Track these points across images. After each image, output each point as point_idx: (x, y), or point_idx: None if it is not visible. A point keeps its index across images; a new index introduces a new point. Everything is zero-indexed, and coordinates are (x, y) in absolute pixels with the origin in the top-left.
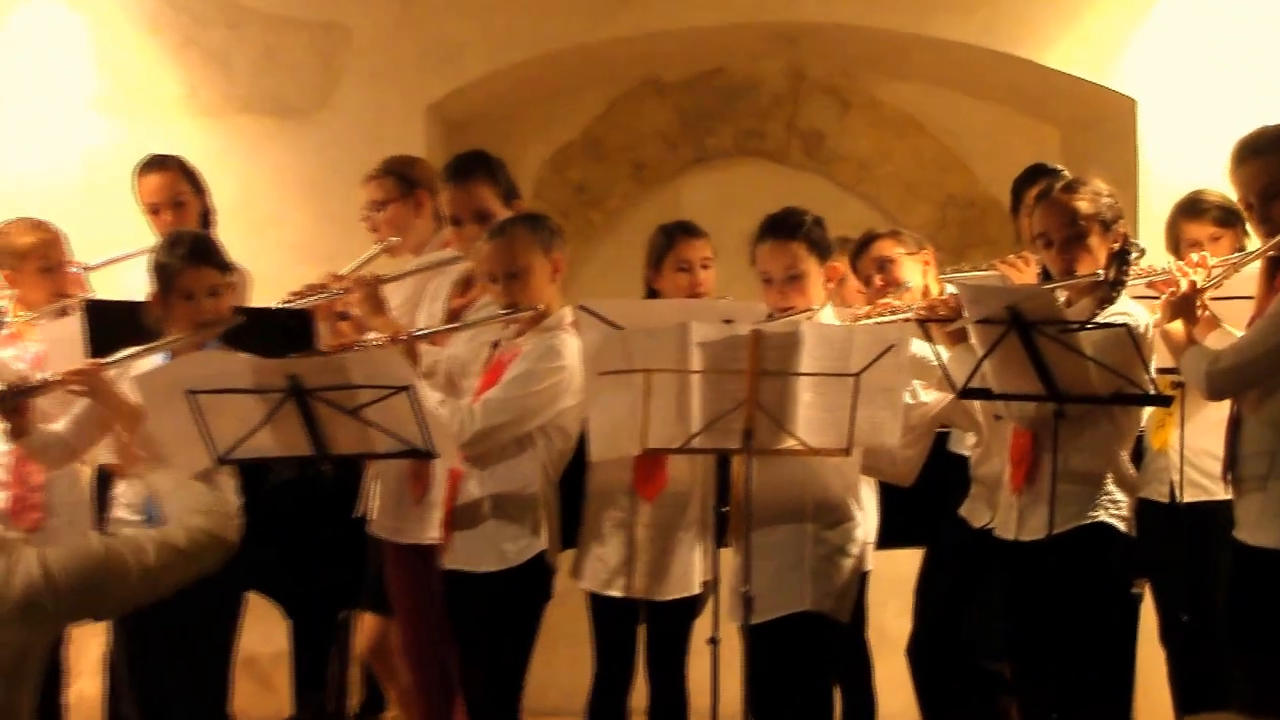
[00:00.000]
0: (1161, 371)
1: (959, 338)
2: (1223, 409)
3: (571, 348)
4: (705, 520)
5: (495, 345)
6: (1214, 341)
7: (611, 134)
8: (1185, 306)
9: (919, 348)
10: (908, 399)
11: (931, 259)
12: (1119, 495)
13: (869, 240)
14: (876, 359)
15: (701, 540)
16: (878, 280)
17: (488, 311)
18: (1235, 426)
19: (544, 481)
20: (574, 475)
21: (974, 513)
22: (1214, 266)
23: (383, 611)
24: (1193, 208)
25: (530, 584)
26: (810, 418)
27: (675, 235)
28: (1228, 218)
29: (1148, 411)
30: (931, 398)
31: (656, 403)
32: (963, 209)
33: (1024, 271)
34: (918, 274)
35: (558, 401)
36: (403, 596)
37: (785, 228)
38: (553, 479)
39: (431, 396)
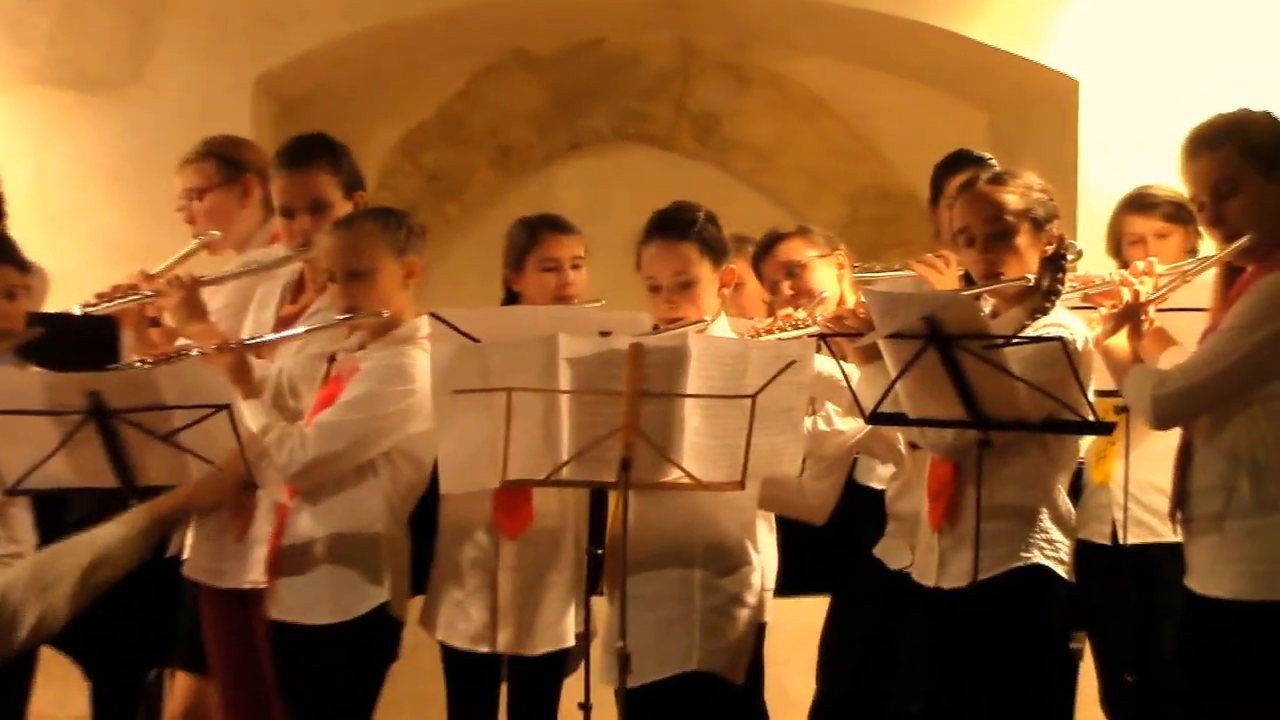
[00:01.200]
0: (1102, 394)
1: (870, 354)
2: (1171, 438)
3: (423, 364)
4: (577, 563)
5: (332, 359)
6: (1164, 361)
7: (472, 114)
8: (1129, 319)
9: (827, 365)
10: (822, 426)
11: (846, 261)
12: (1055, 535)
13: (775, 240)
14: (775, 377)
15: (574, 586)
16: (786, 288)
17: (322, 318)
18: (1185, 458)
19: (389, 519)
20: (427, 511)
21: (891, 553)
22: (1162, 275)
23: (198, 669)
24: (1140, 201)
25: (371, 640)
26: (699, 446)
27: (540, 230)
28: (1178, 214)
29: (1086, 441)
30: (849, 425)
31: (519, 427)
32: (876, 203)
33: (943, 274)
34: (832, 279)
35: (406, 425)
36: (221, 651)
37: (674, 226)
38: (400, 516)
39: (255, 417)
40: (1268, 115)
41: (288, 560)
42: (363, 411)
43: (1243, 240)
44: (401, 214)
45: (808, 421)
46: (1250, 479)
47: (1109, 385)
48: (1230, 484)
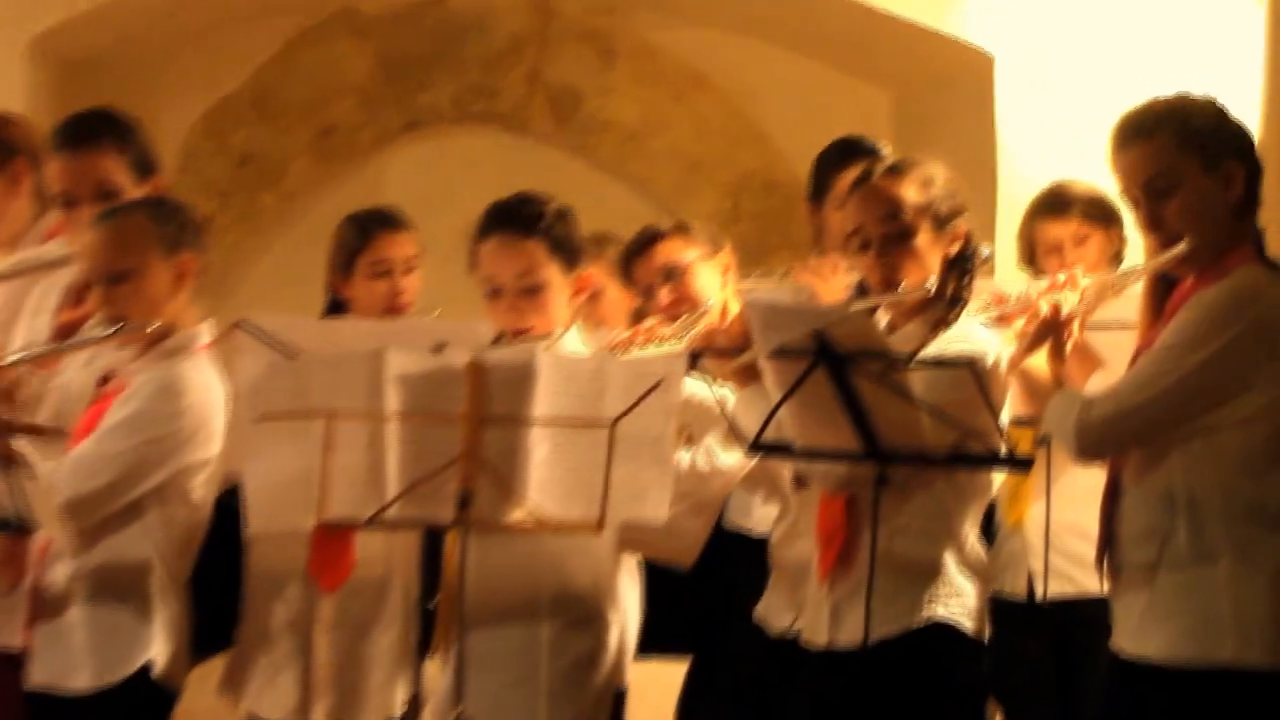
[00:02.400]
0: (1018, 423)
1: (748, 376)
2: (1099, 475)
3: (200, 380)
4: (406, 619)
5: (105, 379)
6: (1090, 384)
7: (289, 86)
8: (1050, 336)
9: (698, 389)
10: (703, 464)
11: (732, 263)
12: (962, 587)
13: (651, 239)
14: (639, 401)
15: (402, 647)
16: (664, 295)
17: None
18: (1113, 499)
19: (160, 567)
20: (232, 557)
21: (772, 614)
22: (1087, 286)
23: None
24: (1051, 202)
25: (138, 709)
26: (549, 479)
27: (371, 228)
28: (1097, 212)
29: (1000, 477)
30: (734, 461)
31: (340, 458)
32: (762, 196)
33: (829, 281)
34: (715, 284)
35: (181, 454)
36: None
37: (519, 220)
38: (174, 564)
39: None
40: (1210, 102)
41: (45, 617)
42: (126, 440)
43: (1180, 246)
44: (171, 202)
45: (684, 457)
46: (1187, 524)
47: (1028, 412)
48: (1164, 529)
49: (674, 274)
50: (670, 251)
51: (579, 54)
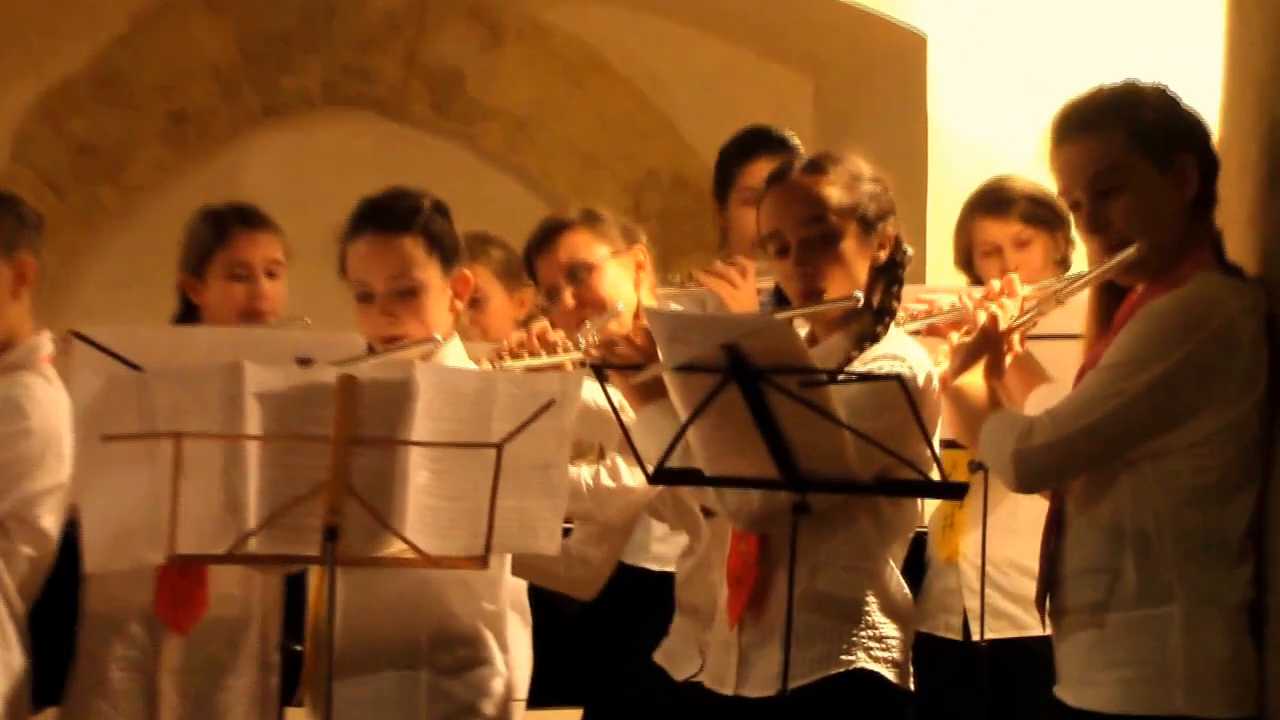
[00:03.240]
0: (950, 446)
1: (650, 392)
2: (1040, 504)
3: (45, 396)
4: (267, 663)
5: None
6: (1031, 404)
7: (136, 67)
8: (987, 350)
9: (599, 396)
10: (607, 480)
11: (647, 261)
12: (886, 630)
13: (554, 231)
14: (528, 422)
15: (260, 695)
16: (568, 296)
17: None
18: (1056, 532)
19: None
20: (67, 595)
21: (675, 659)
22: (1029, 296)
23: None
24: (992, 199)
25: None
26: (428, 509)
27: (228, 225)
28: (1041, 214)
29: (930, 506)
30: (640, 480)
31: (192, 485)
32: (667, 193)
33: (739, 288)
34: (627, 285)
35: (22, 483)
36: None
37: (391, 217)
38: (15, 601)
39: None
40: (1160, 90)
41: None
42: None
43: (1129, 251)
44: (9, 197)
45: (586, 473)
46: (1137, 560)
47: (961, 434)
48: (1112, 566)
49: (579, 272)
50: (575, 247)
51: (462, 32)
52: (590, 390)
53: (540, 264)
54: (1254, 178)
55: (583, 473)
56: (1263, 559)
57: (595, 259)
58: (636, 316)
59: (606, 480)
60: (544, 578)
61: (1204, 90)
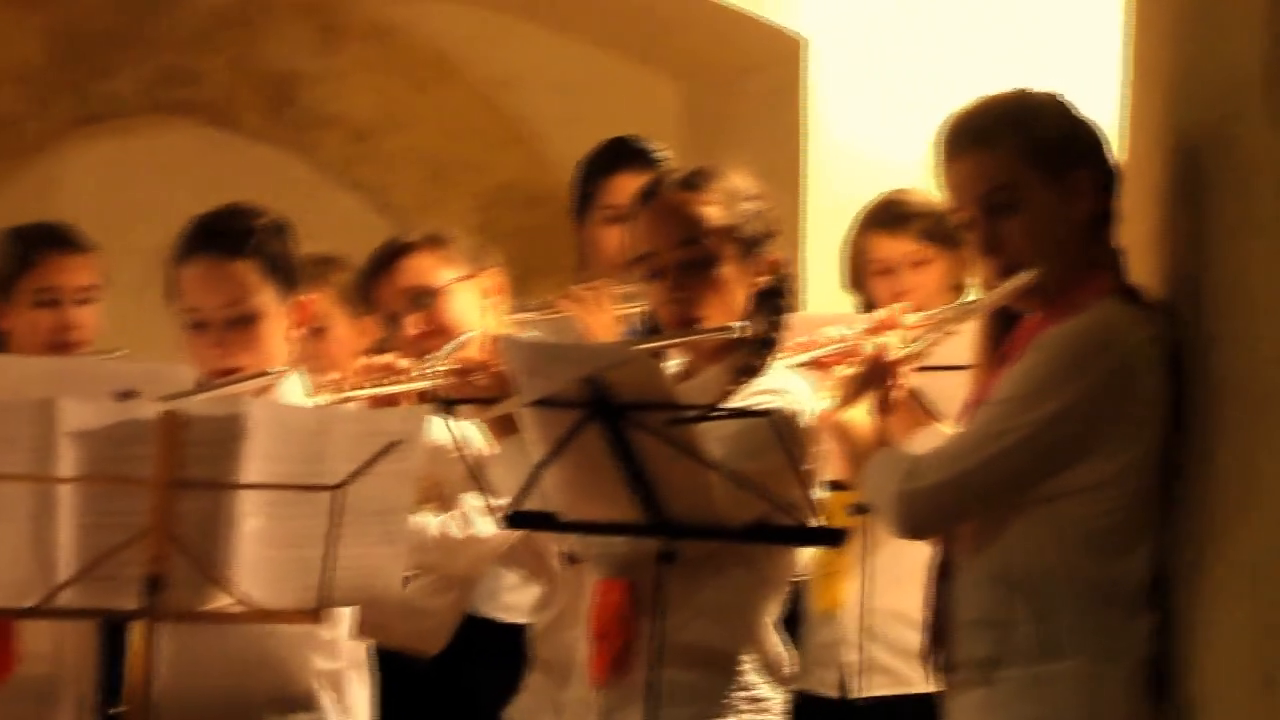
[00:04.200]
0: (833, 488)
1: (508, 427)
2: (926, 553)
3: None
4: None
5: None
6: (918, 443)
7: None
8: (873, 384)
9: (446, 434)
10: (455, 530)
11: (500, 285)
12: (760, 690)
13: (396, 253)
14: (369, 464)
15: None
16: (410, 324)
17: None
18: (942, 580)
19: None
20: None
21: (528, 715)
22: (917, 325)
23: None
24: (886, 215)
25: None
26: (260, 558)
27: (36, 248)
28: (941, 232)
29: (809, 554)
30: (494, 529)
31: None
32: (523, 209)
33: (600, 314)
34: (476, 312)
35: None
36: None
37: (227, 238)
38: None
39: None
40: (1055, 99)
41: None
42: None
43: (1026, 276)
44: None
45: (433, 522)
46: (1030, 610)
47: (845, 475)
48: (1004, 617)
49: (424, 298)
50: (420, 270)
51: (296, 34)
52: (440, 427)
53: (380, 289)
54: (1159, 193)
55: (430, 521)
56: (1166, 611)
57: (440, 283)
58: (489, 346)
59: (456, 530)
60: (379, 632)
61: (1100, 100)
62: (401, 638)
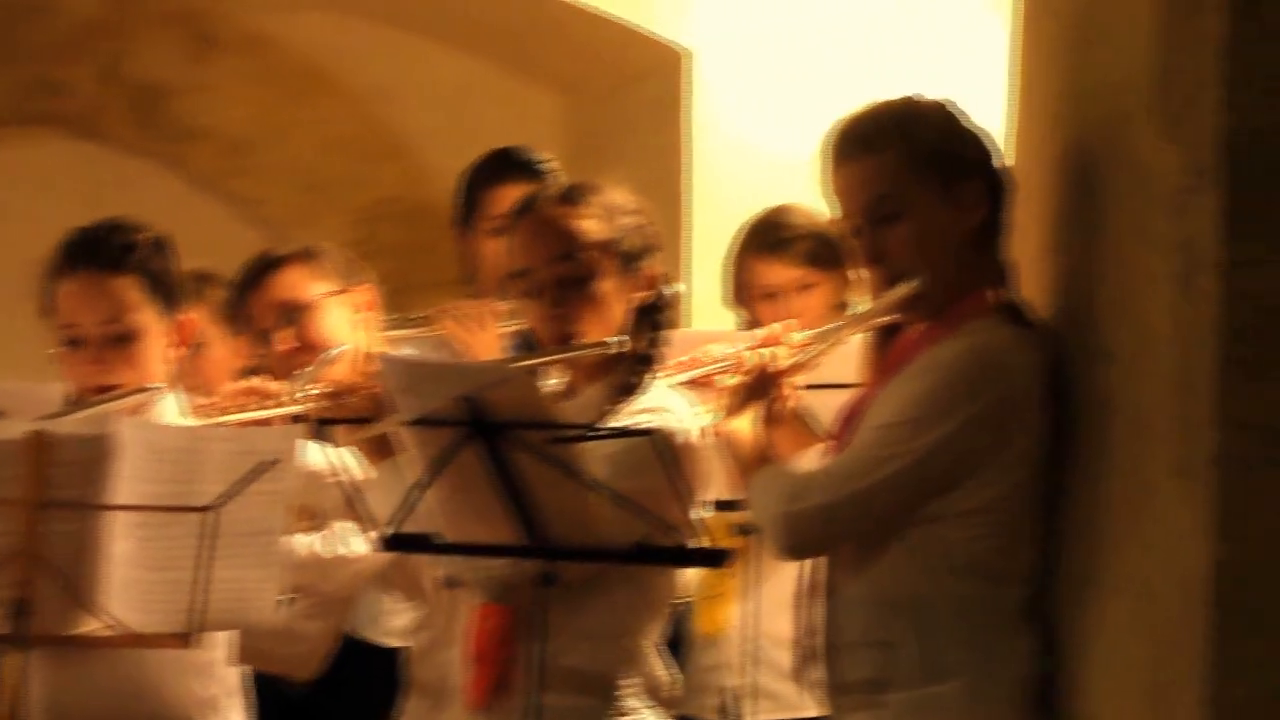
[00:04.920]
0: (720, 507)
1: (385, 450)
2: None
3: None
4: None
5: None
6: (807, 463)
7: None
8: (760, 395)
9: (320, 458)
10: (330, 548)
11: (373, 301)
12: (643, 714)
13: (267, 267)
14: (244, 484)
15: None
16: (281, 340)
17: None
18: (821, 599)
19: None
20: None
21: None
22: (805, 343)
23: None
24: (770, 238)
25: None
26: (132, 581)
27: None
28: (825, 254)
29: (693, 576)
30: (368, 550)
31: None
32: (402, 224)
33: (483, 331)
34: (348, 327)
35: None
36: None
37: (107, 254)
38: None
39: None
40: (943, 106)
41: None
42: None
43: (908, 286)
44: None
45: (304, 542)
46: (914, 632)
47: (731, 494)
48: (888, 639)
49: (295, 313)
50: (291, 284)
51: (167, 43)
52: (313, 455)
53: (251, 304)
54: (1047, 205)
55: (300, 541)
56: (1053, 630)
57: (312, 298)
58: (361, 364)
59: (331, 549)
60: (257, 658)
61: (987, 110)
62: (278, 663)
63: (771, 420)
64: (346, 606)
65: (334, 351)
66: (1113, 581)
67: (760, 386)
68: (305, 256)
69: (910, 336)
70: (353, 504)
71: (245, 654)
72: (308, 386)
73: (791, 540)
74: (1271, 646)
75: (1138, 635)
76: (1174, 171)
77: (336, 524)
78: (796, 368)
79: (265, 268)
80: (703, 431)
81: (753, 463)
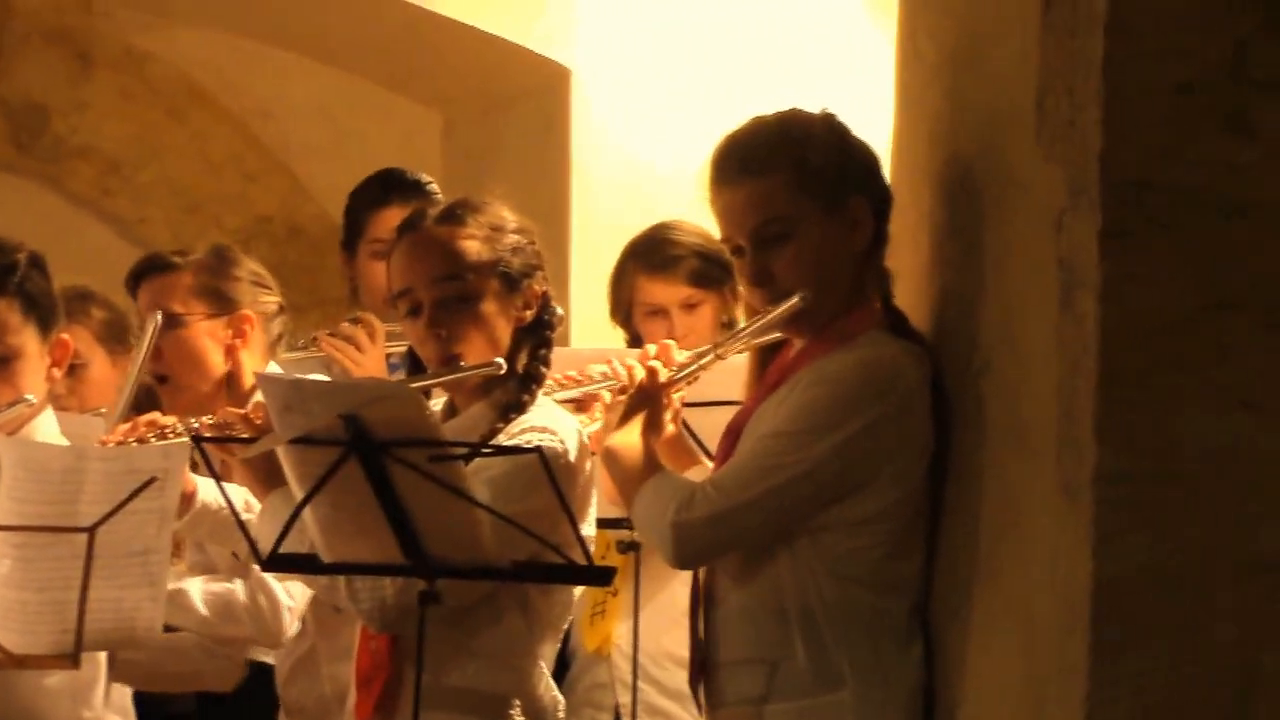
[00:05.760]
0: (606, 525)
1: (280, 477)
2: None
3: None
4: None
5: None
6: (695, 476)
7: None
8: (644, 407)
9: (209, 490)
10: (263, 604)
11: (259, 319)
12: None
13: (144, 272)
14: (125, 503)
15: None
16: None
17: None
18: (706, 612)
19: None
20: None
21: None
22: (686, 363)
23: None
24: (656, 257)
25: None
26: (12, 602)
27: None
28: (712, 272)
29: (578, 592)
30: (303, 598)
31: None
32: (283, 243)
33: (366, 352)
34: (217, 350)
35: None
36: None
37: None
38: None
39: None
40: (828, 122)
41: None
42: None
43: (791, 302)
44: None
45: (241, 591)
46: (803, 642)
47: (615, 511)
48: (777, 651)
49: (171, 321)
50: (170, 290)
51: (45, 61)
52: (207, 489)
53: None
54: (927, 224)
55: (237, 590)
56: (930, 641)
57: (186, 314)
58: (238, 382)
59: (265, 604)
60: (186, 681)
61: (873, 125)
62: (207, 679)
63: (655, 433)
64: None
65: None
66: (994, 598)
67: (643, 400)
68: (179, 260)
69: (793, 352)
70: (244, 536)
71: (171, 682)
72: (194, 421)
73: (681, 550)
74: (1149, 664)
75: (1018, 651)
76: (1053, 190)
77: (255, 572)
78: (679, 382)
79: (142, 272)
80: (585, 449)
81: (637, 477)
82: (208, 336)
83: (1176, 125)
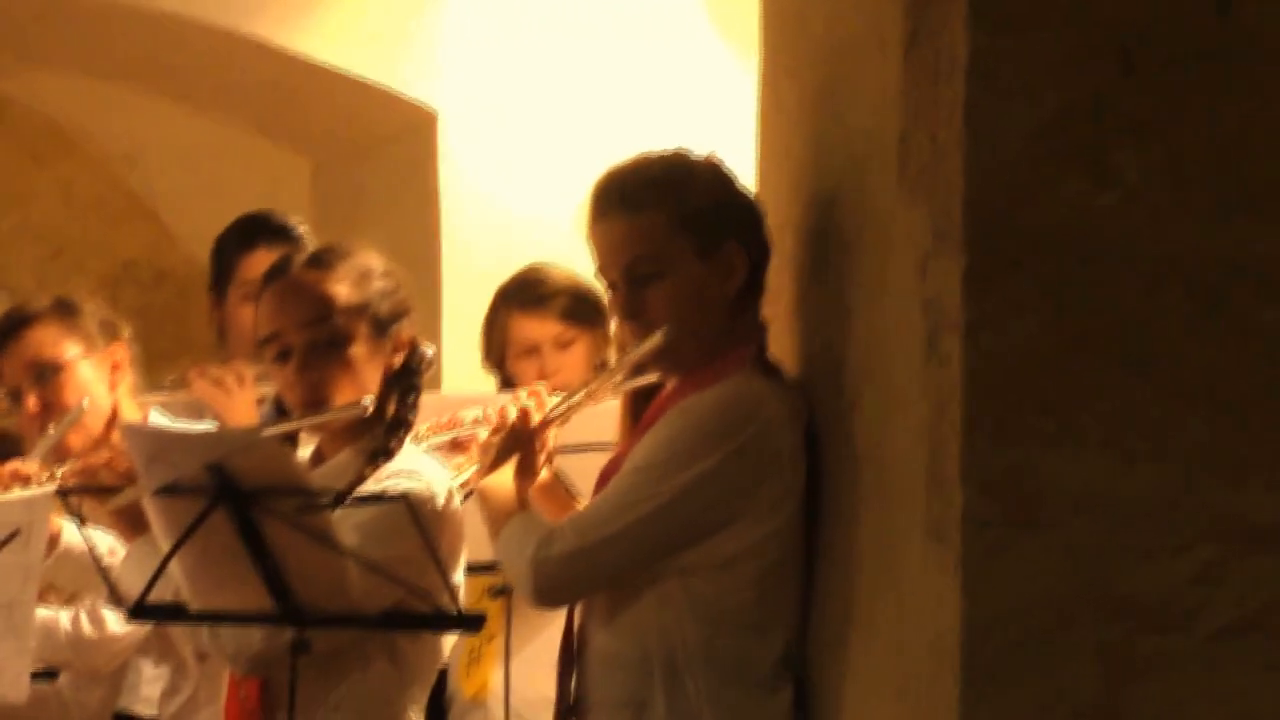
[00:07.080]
0: (475, 570)
1: (139, 525)
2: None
3: None
4: None
5: None
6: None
7: None
8: (518, 447)
9: (74, 536)
10: (89, 628)
11: (125, 359)
12: None
13: (18, 324)
14: None
15: None
16: (31, 401)
17: None
18: (579, 654)
19: None
20: None
21: None
22: (557, 406)
23: None
24: (528, 294)
25: None
26: None
27: None
28: (584, 310)
29: (453, 639)
30: (128, 628)
31: None
32: (148, 288)
33: (235, 396)
34: (102, 388)
35: None
36: None
37: None
38: None
39: None
40: (713, 168)
41: None
42: None
43: (655, 338)
44: None
45: (65, 618)
46: (665, 688)
47: (486, 555)
48: (639, 697)
49: (46, 376)
50: (41, 343)
51: None
52: (71, 532)
53: (2, 363)
54: (792, 268)
55: (60, 617)
56: (806, 684)
57: (64, 358)
58: (111, 425)
59: (87, 627)
60: None
61: (739, 168)
62: None
63: (528, 475)
64: (121, 675)
65: (83, 404)
66: (869, 640)
67: (516, 442)
68: (57, 313)
69: (665, 394)
70: (105, 578)
71: None
72: (64, 464)
73: (539, 587)
74: (1016, 706)
75: (894, 695)
76: (918, 233)
77: (89, 600)
78: (552, 420)
79: (15, 325)
80: (451, 495)
81: (508, 512)
82: (92, 372)
83: (1038, 168)
